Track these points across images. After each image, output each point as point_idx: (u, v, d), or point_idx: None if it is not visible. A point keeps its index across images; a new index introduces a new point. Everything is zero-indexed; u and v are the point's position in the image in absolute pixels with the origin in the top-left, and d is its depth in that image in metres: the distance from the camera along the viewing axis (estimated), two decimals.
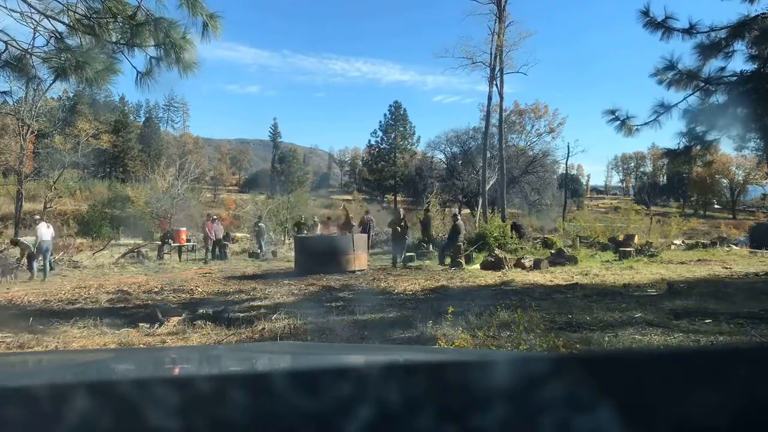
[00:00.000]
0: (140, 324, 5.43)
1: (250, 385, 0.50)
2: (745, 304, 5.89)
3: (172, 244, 16.99)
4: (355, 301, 6.86)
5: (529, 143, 41.16)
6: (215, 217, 18.55)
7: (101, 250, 17.49)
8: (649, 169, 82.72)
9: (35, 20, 5.37)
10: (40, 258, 11.37)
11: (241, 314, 5.81)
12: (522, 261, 11.35)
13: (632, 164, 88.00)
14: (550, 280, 8.70)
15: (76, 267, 13.50)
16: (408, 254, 13.28)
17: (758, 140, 10.77)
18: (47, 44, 5.48)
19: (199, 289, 8.58)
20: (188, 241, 17.82)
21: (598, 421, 0.42)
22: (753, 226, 20.80)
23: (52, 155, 28.96)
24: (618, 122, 9.10)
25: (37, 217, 15.61)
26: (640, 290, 7.44)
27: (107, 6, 5.42)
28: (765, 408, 0.42)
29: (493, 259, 11.37)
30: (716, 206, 66.27)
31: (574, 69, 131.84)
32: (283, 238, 24.10)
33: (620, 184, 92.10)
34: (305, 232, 16.87)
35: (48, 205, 27.89)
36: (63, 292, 8.27)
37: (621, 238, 16.47)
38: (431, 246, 14.51)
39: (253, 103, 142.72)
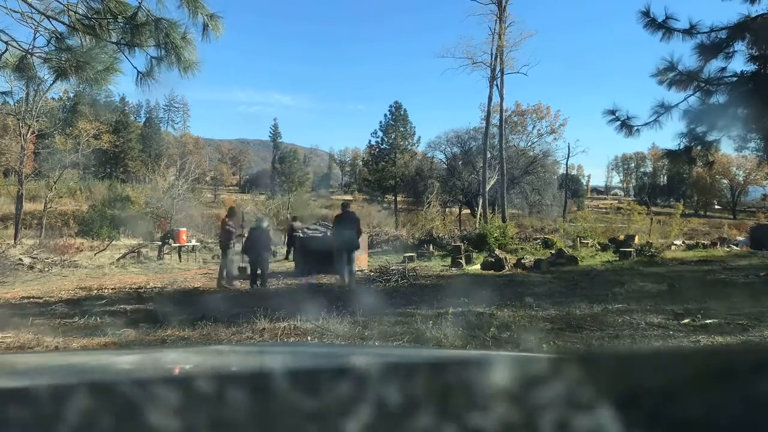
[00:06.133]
0: (140, 324, 5.43)
1: (251, 385, 0.50)
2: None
3: (173, 245, 16.98)
4: (355, 300, 6.85)
5: (530, 143, 41.11)
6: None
7: (103, 250, 17.48)
8: (649, 169, 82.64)
9: (36, 20, 5.38)
10: None
11: (242, 314, 5.80)
12: (522, 261, 11.34)
13: (632, 165, 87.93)
14: (550, 281, 8.69)
15: (76, 267, 13.49)
16: (408, 254, 13.29)
17: (759, 140, 10.77)
18: (48, 44, 5.49)
19: (199, 289, 8.58)
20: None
21: (598, 420, 0.42)
22: (753, 226, 20.77)
23: (52, 155, 28.96)
24: (618, 122, 9.11)
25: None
26: (639, 290, 7.43)
27: (107, 6, 5.42)
28: (764, 407, 0.42)
29: (493, 260, 11.37)
30: (716, 207, 66.17)
31: (575, 69, 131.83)
32: (283, 238, 24.14)
33: (620, 185, 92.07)
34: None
35: (48, 206, 27.93)
36: (64, 293, 8.27)
37: (621, 238, 16.46)
38: (432, 246, 14.51)
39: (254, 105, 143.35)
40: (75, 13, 5.43)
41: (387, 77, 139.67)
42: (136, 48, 5.52)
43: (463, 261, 11.91)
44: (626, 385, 0.46)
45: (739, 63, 8.65)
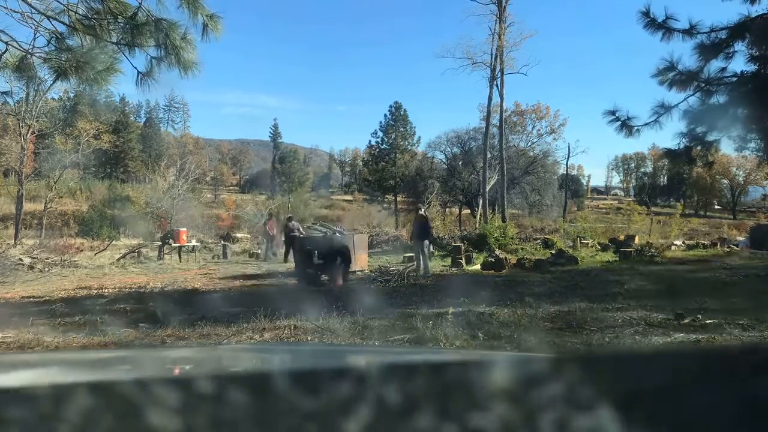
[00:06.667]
0: (140, 324, 5.43)
1: (251, 385, 0.50)
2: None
3: (173, 245, 16.98)
4: (355, 300, 6.85)
5: (530, 143, 41.11)
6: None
7: (103, 250, 17.48)
8: (649, 169, 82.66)
9: (36, 20, 5.37)
10: None
11: (242, 314, 5.80)
12: (522, 261, 11.34)
13: (632, 165, 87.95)
14: (550, 281, 8.69)
15: (76, 267, 13.49)
16: (409, 254, 13.28)
17: (758, 141, 10.77)
18: (48, 44, 5.48)
19: (200, 290, 8.58)
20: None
21: (598, 420, 0.42)
22: (753, 226, 20.77)
23: (52, 155, 28.99)
24: (618, 123, 9.12)
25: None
26: (639, 290, 7.43)
27: (108, 6, 5.42)
28: (764, 407, 0.42)
29: (493, 260, 11.37)
30: (716, 207, 66.19)
31: (574, 70, 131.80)
32: (283, 238, 24.14)
33: (620, 185, 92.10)
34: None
35: (48, 206, 27.95)
36: (64, 293, 8.27)
37: (621, 238, 16.48)
38: (431, 246, 14.49)
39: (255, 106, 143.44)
40: (75, 13, 5.42)
41: (387, 78, 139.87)
42: (136, 48, 5.51)
43: (463, 261, 11.91)
44: (626, 385, 0.46)
45: (739, 63, 8.67)
